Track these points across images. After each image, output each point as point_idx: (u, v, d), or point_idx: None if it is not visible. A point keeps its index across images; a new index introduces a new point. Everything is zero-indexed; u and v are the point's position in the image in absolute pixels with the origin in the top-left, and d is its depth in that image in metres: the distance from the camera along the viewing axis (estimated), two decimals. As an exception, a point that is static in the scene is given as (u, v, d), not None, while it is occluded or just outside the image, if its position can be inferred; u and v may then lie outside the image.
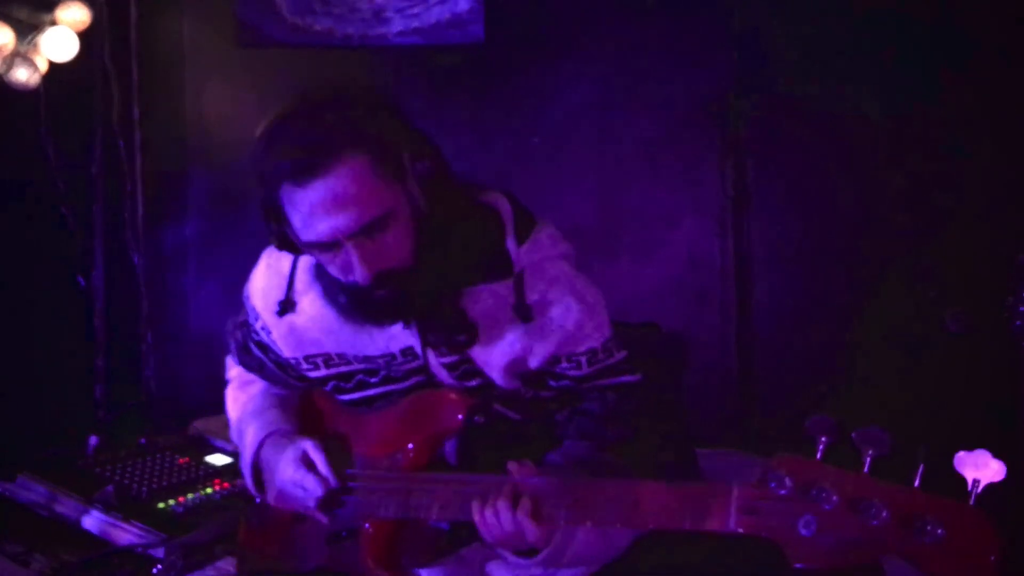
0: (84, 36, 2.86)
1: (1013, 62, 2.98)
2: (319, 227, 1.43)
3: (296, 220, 1.46)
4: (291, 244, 1.55)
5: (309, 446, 1.64)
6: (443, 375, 1.65)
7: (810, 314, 3.22)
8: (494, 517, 1.41)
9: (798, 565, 1.13)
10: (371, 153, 1.44)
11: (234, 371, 1.95)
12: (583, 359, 1.64)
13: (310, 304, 1.68)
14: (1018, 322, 2.26)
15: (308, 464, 1.64)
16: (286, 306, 1.70)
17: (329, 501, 1.62)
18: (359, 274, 1.46)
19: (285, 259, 1.72)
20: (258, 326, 1.79)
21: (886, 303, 3.11)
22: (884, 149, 3.14)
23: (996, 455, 1.17)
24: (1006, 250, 2.34)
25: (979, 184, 3.06)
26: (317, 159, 1.41)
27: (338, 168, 1.41)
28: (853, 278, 3.18)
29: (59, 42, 2.78)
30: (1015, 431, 2.27)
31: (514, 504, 1.39)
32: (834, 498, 1.11)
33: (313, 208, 1.42)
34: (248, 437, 1.79)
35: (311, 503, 1.63)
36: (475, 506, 1.44)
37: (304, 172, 1.41)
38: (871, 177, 3.15)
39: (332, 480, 1.61)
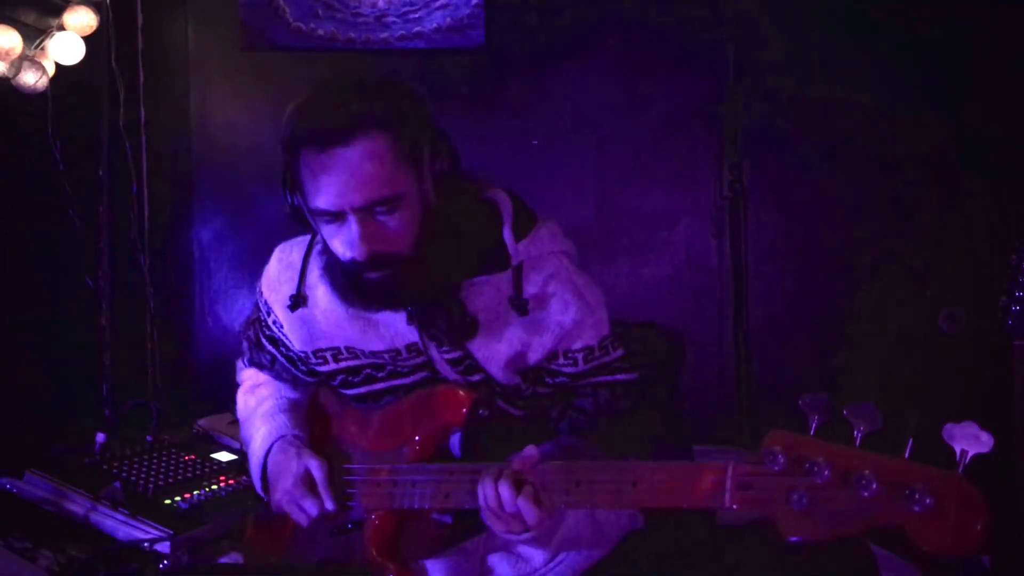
0: (91, 40, 2.88)
1: (1009, 64, 3.00)
2: (329, 195, 1.48)
3: (309, 185, 1.50)
4: (301, 216, 1.59)
5: (314, 466, 1.66)
6: (447, 370, 1.68)
7: (806, 314, 3.25)
8: (495, 499, 1.44)
9: (792, 539, 1.15)
10: (392, 137, 1.48)
11: (245, 373, 1.97)
12: (579, 356, 1.67)
13: (321, 298, 1.71)
14: (1010, 321, 2.27)
15: (309, 483, 1.65)
16: (297, 300, 1.73)
17: (326, 520, 1.66)
18: (357, 250, 1.50)
19: (297, 253, 1.76)
20: (270, 321, 1.82)
21: (881, 303, 3.13)
22: (879, 150, 3.16)
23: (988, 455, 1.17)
24: (999, 251, 2.35)
25: (973, 185, 3.08)
26: (339, 131, 1.46)
27: (358, 142, 1.46)
28: (848, 278, 3.20)
29: (66, 46, 2.80)
30: (1007, 430, 2.28)
31: (516, 488, 1.42)
32: (826, 472, 1.13)
33: (328, 174, 1.47)
34: (257, 440, 1.81)
35: (305, 522, 1.66)
36: (479, 486, 1.46)
37: (326, 139, 1.46)
38: (866, 178, 3.17)
39: (329, 503, 1.64)
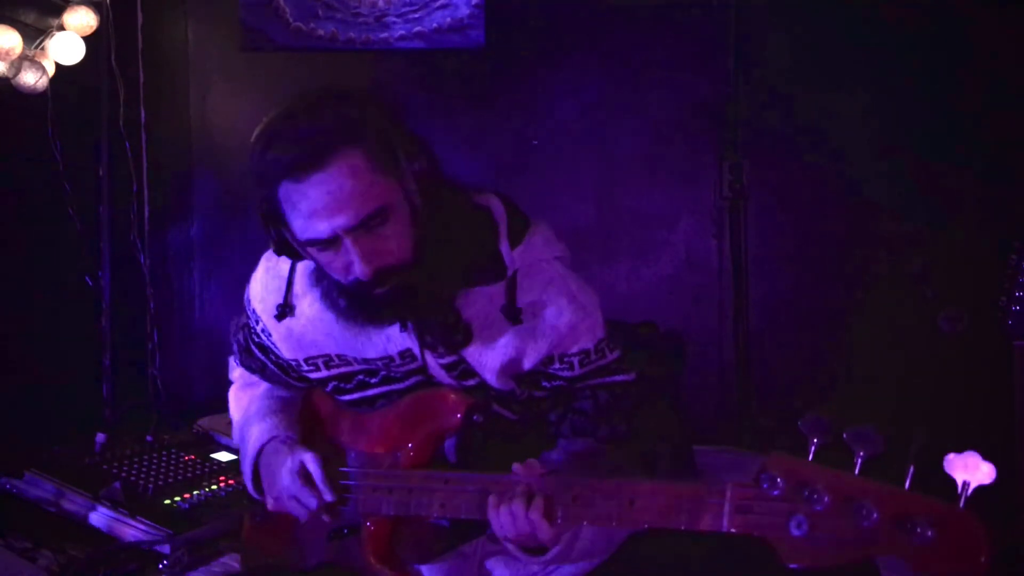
0: (91, 40, 2.89)
1: (1006, 65, 3.01)
2: (319, 224, 1.43)
3: (295, 219, 1.46)
4: (290, 248, 1.56)
5: (308, 459, 1.64)
6: (442, 375, 1.66)
7: (805, 313, 3.24)
8: (509, 516, 1.42)
9: (791, 565, 1.14)
10: (367, 148, 1.44)
11: (237, 372, 1.96)
12: (575, 360, 1.65)
13: (309, 307, 1.68)
14: (1010, 322, 2.27)
15: (305, 476, 1.64)
16: (284, 310, 1.70)
17: (324, 513, 1.65)
18: (360, 270, 1.46)
19: (284, 261, 1.72)
20: (259, 328, 1.79)
21: (881, 303, 3.13)
22: (878, 151, 3.16)
23: (988, 455, 1.15)
24: (999, 251, 2.36)
25: (972, 185, 3.08)
26: (314, 155, 1.41)
27: (335, 163, 1.42)
28: (848, 278, 3.20)
29: (66, 46, 2.81)
30: (1007, 430, 2.28)
31: (527, 504, 1.40)
32: (826, 498, 1.12)
33: (312, 204, 1.42)
34: (250, 441, 1.79)
35: (304, 516, 1.65)
36: (491, 503, 1.44)
37: (302, 168, 1.41)
38: (865, 178, 3.17)
39: (327, 495, 1.62)
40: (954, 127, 3.07)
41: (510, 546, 1.49)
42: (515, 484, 1.43)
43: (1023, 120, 2.99)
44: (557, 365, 1.66)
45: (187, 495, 2.26)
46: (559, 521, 1.40)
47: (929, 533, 1.06)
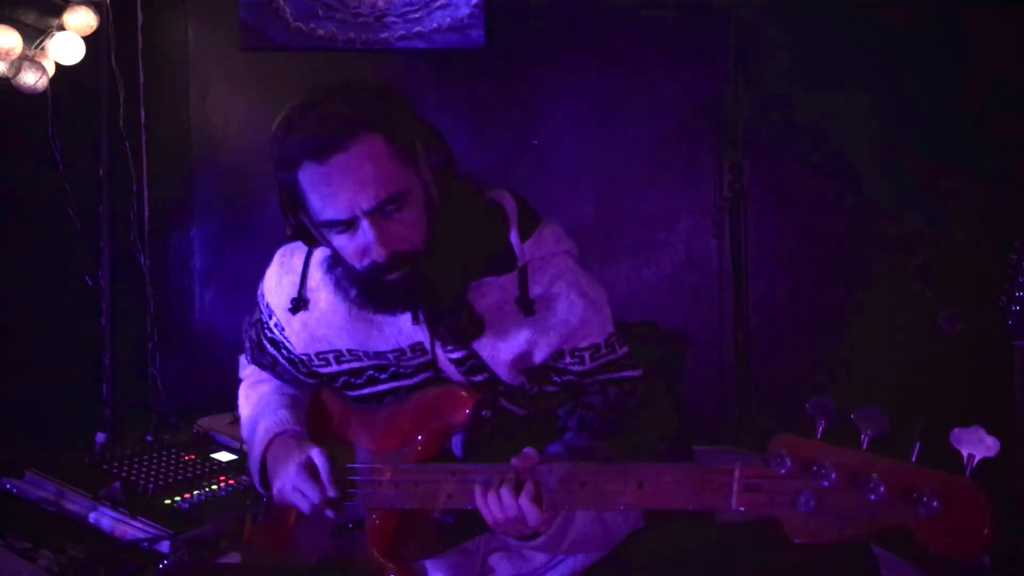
0: (91, 40, 2.89)
1: (1006, 65, 3.01)
2: (339, 203, 1.48)
3: (315, 199, 1.50)
4: (306, 234, 1.59)
5: (315, 453, 1.66)
6: (451, 370, 1.68)
7: (806, 313, 3.25)
8: (496, 501, 1.44)
9: (798, 541, 1.15)
10: (388, 136, 1.49)
11: (247, 370, 1.98)
12: (586, 354, 1.67)
13: (323, 301, 1.71)
14: (1010, 322, 2.28)
15: (311, 471, 1.66)
16: (299, 303, 1.73)
17: (328, 507, 1.65)
18: (376, 252, 1.50)
19: (298, 257, 1.76)
20: (272, 323, 1.82)
21: (881, 303, 3.14)
22: (878, 151, 3.16)
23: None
24: (999, 251, 2.36)
25: (972, 185, 3.09)
26: (337, 137, 1.46)
27: (356, 146, 1.46)
28: (848, 277, 3.21)
29: (66, 46, 2.81)
30: (1007, 430, 2.29)
31: (517, 489, 1.42)
32: (833, 475, 1.13)
33: (333, 183, 1.47)
34: (258, 435, 1.81)
35: (308, 510, 1.66)
36: (478, 490, 1.47)
37: (324, 149, 1.46)
38: (865, 178, 3.18)
39: (331, 491, 1.64)
40: (954, 127, 3.08)
41: (500, 533, 1.51)
42: (508, 471, 1.45)
43: (1023, 120, 3.00)
44: (568, 359, 1.68)
45: (187, 495, 2.26)
46: (567, 506, 1.42)
47: (935, 504, 1.06)
